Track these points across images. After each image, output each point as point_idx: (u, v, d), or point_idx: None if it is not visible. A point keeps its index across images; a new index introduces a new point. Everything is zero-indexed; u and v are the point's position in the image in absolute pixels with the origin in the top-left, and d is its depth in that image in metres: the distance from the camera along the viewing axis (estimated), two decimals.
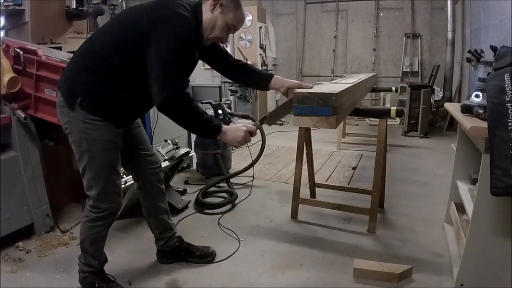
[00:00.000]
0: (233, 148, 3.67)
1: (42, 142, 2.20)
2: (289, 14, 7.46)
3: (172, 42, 1.34)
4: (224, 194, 2.88)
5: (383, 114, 2.17)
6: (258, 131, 1.57)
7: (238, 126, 1.49)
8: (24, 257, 1.94)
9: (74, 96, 1.42)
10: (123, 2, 3.30)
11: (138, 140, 1.71)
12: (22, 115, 2.00)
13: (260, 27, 6.32)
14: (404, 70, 6.58)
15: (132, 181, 2.12)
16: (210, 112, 3.36)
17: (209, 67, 1.81)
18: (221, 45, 1.74)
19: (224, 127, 1.47)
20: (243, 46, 6.27)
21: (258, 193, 2.95)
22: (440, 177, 3.20)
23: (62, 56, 2.02)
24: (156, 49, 1.34)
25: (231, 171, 3.36)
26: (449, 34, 5.55)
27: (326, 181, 3.20)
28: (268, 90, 1.79)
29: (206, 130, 1.47)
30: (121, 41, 1.41)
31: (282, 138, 4.90)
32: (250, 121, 1.54)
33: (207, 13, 1.46)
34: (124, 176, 2.34)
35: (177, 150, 2.53)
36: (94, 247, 1.61)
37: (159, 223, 1.85)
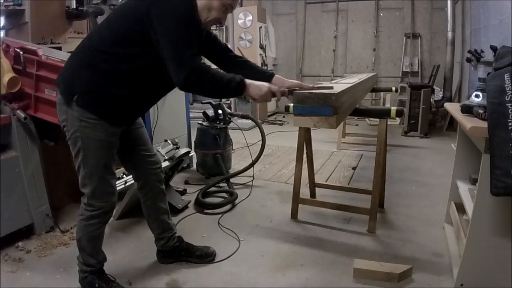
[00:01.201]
0: (233, 150, 3.66)
1: (42, 142, 2.20)
2: (289, 14, 7.46)
3: (175, 19, 1.34)
4: (224, 194, 2.88)
5: (383, 114, 2.17)
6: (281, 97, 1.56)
7: (262, 83, 1.50)
8: (24, 257, 1.93)
9: (71, 93, 1.43)
10: (123, 2, 3.31)
11: (139, 141, 1.71)
12: (22, 115, 2.00)
13: (260, 27, 6.32)
14: (404, 70, 6.58)
15: (132, 181, 2.13)
16: (210, 112, 3.37)
17: None
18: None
19: (247, 81, 1.47)
20: (243, 46, 6.27)
21: (258, 193, 2.95)
22: (440, 177, 3.20)
23: (62, 56, 2.01)
24: (162, 31, 1.34)
25: (231, 171, 3.36)
26: (449, 34, 5.55)
27: (326, 181, 3.19)
28: None
29: (232, 89, 1.46)
30: (120, 32, 1.40)
31: (282, 138, 4.91)
32: (274, 86, 1.54)
33: None
34: (124, 176, 2.35)
35: (177, 150, 2.53)
36: (91, 245, 1.61)
37: (159, 223, 1.85)
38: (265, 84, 1.50)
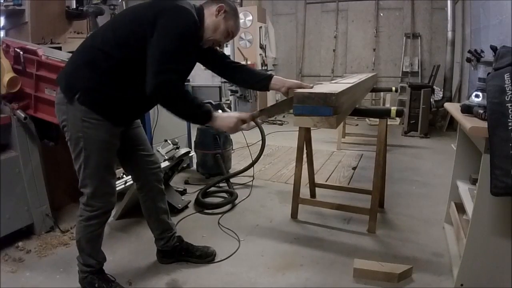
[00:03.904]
0: (233, 150, 3.67)
1: (42, 142, 2.20)
2: (289, 14, 7.46)
3: (173, 32, 1.36)
4: (224, 194, 2.88)
5: (383, 114, 2.16)
6: (255, 126, 1.59)
7: (230, 114, 1.54)
8: (24, 257, 1.93)
9: (73, 90, 1.43)
10: (123, 2, 3.31)
11: (138, 141, 1.71)
12: (22, 115, 2.00)
13: (260, 27, 6.33)
14: (404, 70, 6.59)
15: (132, 181, 2.13)
16: None
17: None
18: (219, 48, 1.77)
19: (215, 113, 1.49)
20: (243, 46, 6.28)
21: (258, 193, 2.95)
22: (440, 177, 3.20)
23: (62, 56, 2.02)
24: (157, 38, 1.36)
25: (231, 171, 3.36)
26: (449, 34, 5.56)
27: (326, 181, 3.19)
28: (269, 90, 1.79)
29: (197, 116, 1.48)
30: (123, 35, 1.42)
31: (282, 138, 4.91)
32: (244, 113, 1.56)
33: (211, 17, 1.52)
34: (124, 176, 2.34)
35: (177, 150, 2.53)
36: (90, 246, 1.61)
37: (159, 223, 1.85)
38: (234, 115, 1.51)
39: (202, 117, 1.48)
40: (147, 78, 1.37)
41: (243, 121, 1.52)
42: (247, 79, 1.79)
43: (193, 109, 1.45)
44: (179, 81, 1.42)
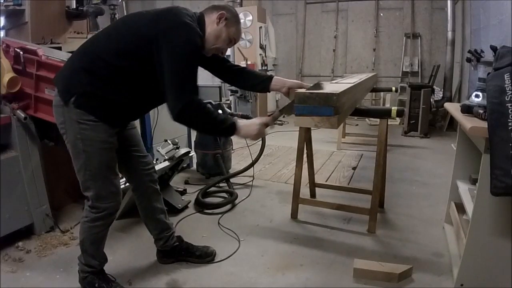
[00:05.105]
0: (233, 150, 3.67)
1: (42, 142, 2.20)
2: (289, 14, 7.46)
3: (182, 51, 1.36)
4: (224, 194, 2.88)
5: (384, 114, 2.16)
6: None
7: (252, 121, 1.53)
8: (24, 257, 1.93)
9: (69, 93, 1.43)
10: (123, 2, 3.30)
11: (132, 142, 1.71)
12: (22, 115, 2.00)
13: (260, 27, 6.32)
14: (404, 70, 6.58)
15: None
16: None
17: None
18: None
19: (238, 124, 1.50)
20: (243, 46, 6.28)
21: (258, 193, 2.95)
22: (440, 177, 3.20)
23: (62, 56, 2.02)
24: (167, 59, 1.36)
25: (231, 171, 3.36)
26: (449, 34, 5.55)
27: (326, 181, 3.19)
28: (269, 91, 1.79)
29: (223, 130, 1.50)
30: (125, 46, 1.42)
31: (282, 138, 4.91)
32: (264, 117, 1.57)
33: (212, 25, 1.51)
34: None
35: (177, 150, 2.53)
36: (94, 247, 1.61)
37: (157, 223, 1.85)
38: (256, 121, 1.52)
39: (227, 131, 1.50)
40: (168, 104, 1.40)
41: (266, 124, 1.53)
42: (248, 82, 1.79)
43: (218, 125, 1.47)
44: (198, 98, 1.43)
